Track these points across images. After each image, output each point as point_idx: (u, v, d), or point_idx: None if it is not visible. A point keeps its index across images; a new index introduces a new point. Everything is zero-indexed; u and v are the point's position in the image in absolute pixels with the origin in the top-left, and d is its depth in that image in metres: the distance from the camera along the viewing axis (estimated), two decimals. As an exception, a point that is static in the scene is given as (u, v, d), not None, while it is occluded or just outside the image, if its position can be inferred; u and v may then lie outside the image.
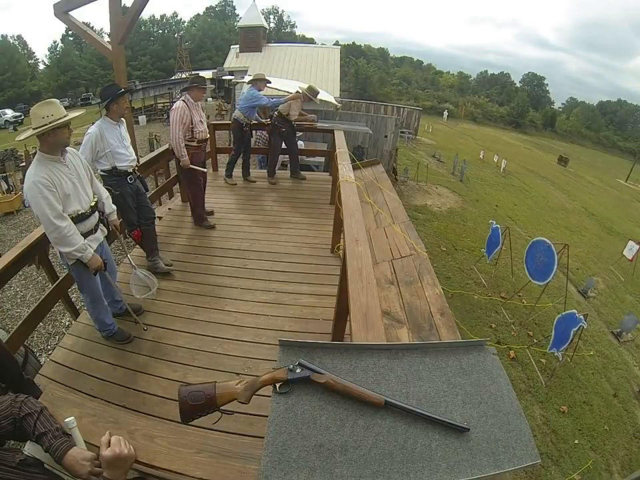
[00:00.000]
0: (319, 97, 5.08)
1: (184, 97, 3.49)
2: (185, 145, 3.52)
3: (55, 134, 1.85)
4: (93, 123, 2.72)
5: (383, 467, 0.72)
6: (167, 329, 2.57)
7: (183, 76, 26.03)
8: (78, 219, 2.02)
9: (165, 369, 2.25)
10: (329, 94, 11.59)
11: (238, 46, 19.00)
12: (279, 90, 11.28)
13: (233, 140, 5.06)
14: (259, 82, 4.79)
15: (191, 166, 3.58)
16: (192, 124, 3.50)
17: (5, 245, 6.39)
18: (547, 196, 14.79)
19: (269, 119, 5.22)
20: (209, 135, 3.94)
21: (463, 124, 38.26)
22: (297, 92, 4.94)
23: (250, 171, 5.42)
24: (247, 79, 7.25)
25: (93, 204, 2.14)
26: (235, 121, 4.86)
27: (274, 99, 4.82)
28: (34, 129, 1.81)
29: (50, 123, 1.79)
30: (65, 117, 1.84)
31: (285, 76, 16.03)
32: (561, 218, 12.21)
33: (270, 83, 4.96)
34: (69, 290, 2.70)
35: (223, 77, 19.22)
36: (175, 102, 4.19)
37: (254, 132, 8.51)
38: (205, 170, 3.86)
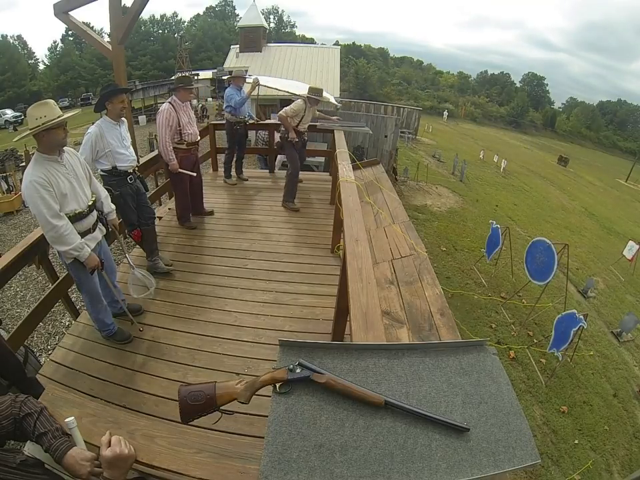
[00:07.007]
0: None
1: (170, 98, 3.46)
2: (174, 147, 3.44)
3: (49, 134, 1.85)
4: (93, 123, 2.72)
5: (383, 467, 0.72)
6: (166, 329, 2.57)
7: (183, 76, 26.00)
8: (76, 218, 2.02)
9: (164, 369, 2.25)
10: (329, 94, 11.59)
11: (238, 46, 19.01)
12: (279, 90, 11.28)
13: (227, 139, 5.14)
14: (237, 79, 4.79)
15: (179, 170, 3.50)
16: (179, 126, 3.42)
17: (5, 245, 6.39)
18: (547, 196, 14.80)
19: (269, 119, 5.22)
20: (199, 138, 3.79)
21: (463, 124, 38.28)
22: (302, 99, 4.57)
23: (243, 169, 5.45)
24: (247, 78, 7.25)
25: (90, 203, 2.14)
26: (226, 121, 4.94)
27: (243, 96, 4.75)
28: (30, 129, 1.82)
29: (43, 124, 1.80)
30: (58, 117, 1.83)
31: (285, 76, 16.03)
32: (561, 218, 12.21)
33: (248, 78, 4.83)
34: (69, 290, 2.69)
35: (223, 77, 19.22)
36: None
37: (255, 132, 8.59)
38: (194, 174, 3.72)
